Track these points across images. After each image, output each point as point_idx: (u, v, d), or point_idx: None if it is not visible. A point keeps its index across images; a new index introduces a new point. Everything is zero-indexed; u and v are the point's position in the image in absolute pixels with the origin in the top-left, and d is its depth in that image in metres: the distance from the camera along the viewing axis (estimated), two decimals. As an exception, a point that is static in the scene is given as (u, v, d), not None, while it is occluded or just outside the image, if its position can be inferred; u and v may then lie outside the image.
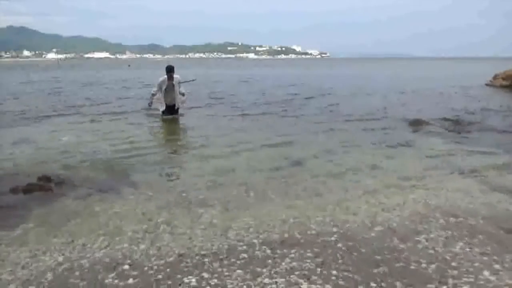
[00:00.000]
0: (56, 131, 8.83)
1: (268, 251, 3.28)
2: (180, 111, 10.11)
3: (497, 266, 3.02)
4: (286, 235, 3.59)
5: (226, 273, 2.94)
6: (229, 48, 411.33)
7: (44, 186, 4.90)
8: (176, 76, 9.52)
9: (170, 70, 9.28)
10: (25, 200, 4.51)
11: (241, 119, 10.60)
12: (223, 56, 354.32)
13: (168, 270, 3.00)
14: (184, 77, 11.74)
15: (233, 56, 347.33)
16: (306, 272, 2.94)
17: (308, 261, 3.11)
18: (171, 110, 9.75)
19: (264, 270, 2.98)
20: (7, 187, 4.87)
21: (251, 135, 8.38)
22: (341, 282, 2.82)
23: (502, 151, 6.81)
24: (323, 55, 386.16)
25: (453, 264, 3.05)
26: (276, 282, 2.81)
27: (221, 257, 3.19)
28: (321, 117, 10.92)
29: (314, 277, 2.88)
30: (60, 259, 3.17)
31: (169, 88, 9.41)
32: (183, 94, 9.87)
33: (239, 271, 2.97)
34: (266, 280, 2.84)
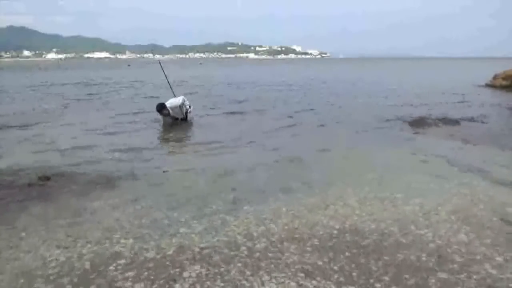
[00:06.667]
0: (58, 132, 8.86)
1: (269, 245, 3.27)
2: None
3: (499, 259, 3.02)
4: (286, 228, 3.58)
5: (226, 267, 2.93)
6: (229, 48, 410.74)
7: (44, 185, 4.91)
8: (178, 98, 9.84)
9: (160, 109, 9.44)
10: (25, 198, 4.49)
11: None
12: (223, 56, 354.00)
13: (167, 263, 2.99)
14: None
15: (233, 56, 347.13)
16: (306, 266, 2.93)
17: (308, 255, 3.10)
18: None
19: (264, 264, 2.97)
20: (8, 185, 4.88)
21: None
22: (341, 278, 2.81)
23: (501, 148, 6.83)
24: (323, 55, 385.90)
25: (454, 257, 3.05)
26: (276, 277, 2.80)
27: (221, 250, 3.18)
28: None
29: (314, 271, 2.87)
30: (60, 254, 3.16)
31: (163, 114, 9.72)
32: (187, 110, 10.07)
33: (239, 264, 2.97)
34: (266, 275, 2.83)
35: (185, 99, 10.11)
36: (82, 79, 29.15)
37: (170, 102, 9.62)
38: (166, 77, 10.90)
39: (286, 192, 4.59)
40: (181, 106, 9.71)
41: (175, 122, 9.74)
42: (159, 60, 14.02)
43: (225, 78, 31.64)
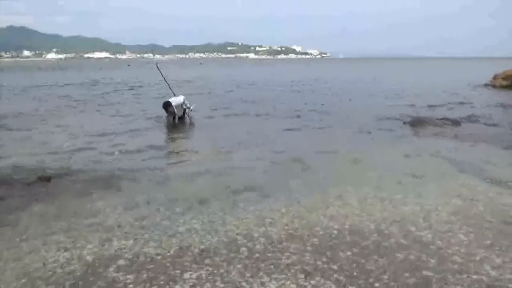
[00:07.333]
0: (59, 132, 8.87)
1: (269, 246, 3.27)
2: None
3: (498, 260, 3.02)
4: (286, 229, 3.58)
5: (226, 268, 2.94)
6: (229, 48, 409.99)
7: (44, 185, 4.92)
8: (180, 98, 10.13)
9: (166, 106, 9.75)
10: (25, 198, 4.50)
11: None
12: (223, 56, 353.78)
13: (168, 264, 3.00)
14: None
15: (233, 56, 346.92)
16: (306, 266, 2.94)
17: (308, 255, 3.11)
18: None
19: (264, 265, 2.98)
20: (9, 186, 4.90)
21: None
22: (341, 277, 2.81)
23: (501, 148, 6.84)
24: (323, 55, 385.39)
25: (454, 258, 3.05)
26: (275, 278, 2.80)
27: (221, 251, 3.19)
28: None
29: (313, 272, 2.87)
30: (61, 255, 3.17)
31: (169, 112, 9.93)
32: (189, 108, 10.25)
33: (239, 265, 2.97)
34: (266, 276, 2.83)
35: (185, 98, 10.25)
36: (83, 80, 29.16)
37: (173, 100, 9.82)
38: (164, 78, 10.93)
39: (286, 192, 4.59)
40: (181, 104, 9.89)
41: (176, 122, 9.80)
42: (156, 62, 14.05)
43: (226, 78, 31.65)
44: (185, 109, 10.06)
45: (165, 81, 10.93)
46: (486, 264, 2.96)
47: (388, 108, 12.37)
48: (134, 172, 5.50)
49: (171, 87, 10.89)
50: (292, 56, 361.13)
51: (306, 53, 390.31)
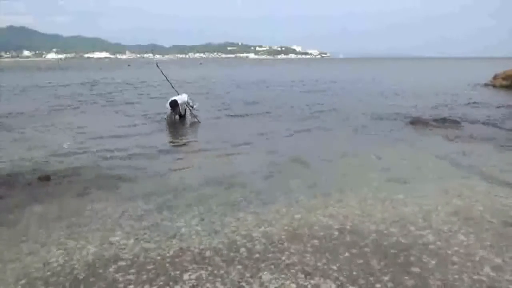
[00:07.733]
0: (59, 132, 8.88)
1: (269, 246, 3.27)
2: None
3: (499, 261, 3.02)
4: (286, 229, 3.58)
5: (226, 268, 2.94)
6: (229, 48, 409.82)
7: (44, 185, 4.92)
8: (183, 96, 10.25)
9: (174, 105, 9.74)
10: (25, 198, 4.50)
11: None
12: (223, 56, 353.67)
13: (167, 265, 3.00)
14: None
15: (233, 56, 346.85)
16: (306, 267, 2.94)
17: (308, 255, 3.11)
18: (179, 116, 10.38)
19: (264, 265, 2.98)
20: (9, 185, 4.90)
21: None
22: (341, 277, 2.81)
23: (501, 148, 6.83)
24: (323, 55, 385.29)
25: (454, 258, 3.05)
26: (276, 278, 2.81)
27: (221, 252, 3.19)
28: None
29: (314, 272, 2.87)
30: (60, 255, 3.17)
31: (175, 112, 10.00)
32: (192, 107, 10.33)
33: (239, 266, 2.97)
34: (266, 276, 2.84)
35: (189, 97, 10.37)
36: (83, 80, 29.15)
37: (179, 99, 9.85)
38: (166, 77, 10.94)
39: (286, 193, 4.59)
40: (185, 103, 9.93)
41: (177, 123, 9.81)
42: (156, 62, 14.05)
43: (226, 78, 31.66)
44: (185, 108, 10.06)
45: (167, 80, 10.91)
46: (486, 265, 2.96)
47: (388, 108, 12.38)
48: (134, 173, 5.50)
49: (173, 86, 10.88)
50: (292, 56, 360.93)
51: (306, 53, 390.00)
